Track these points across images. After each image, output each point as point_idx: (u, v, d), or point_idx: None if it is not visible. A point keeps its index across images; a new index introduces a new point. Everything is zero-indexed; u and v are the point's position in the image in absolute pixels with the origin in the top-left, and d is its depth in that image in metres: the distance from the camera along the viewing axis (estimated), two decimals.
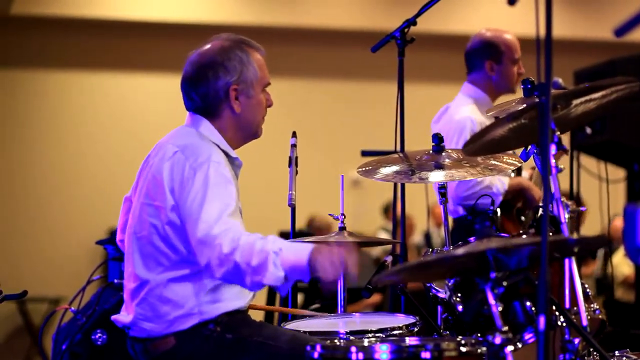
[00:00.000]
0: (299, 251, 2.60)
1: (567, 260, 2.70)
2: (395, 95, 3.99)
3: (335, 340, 2.79)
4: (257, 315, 3.19)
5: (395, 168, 3.30)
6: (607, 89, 2.83)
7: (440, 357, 2.39)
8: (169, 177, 2.77)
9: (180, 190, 2.74)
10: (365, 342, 2.61)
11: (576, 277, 2.71)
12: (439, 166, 3.26)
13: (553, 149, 2.72)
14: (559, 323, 2.67)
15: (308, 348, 2.48)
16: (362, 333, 2.84)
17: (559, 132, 2.76)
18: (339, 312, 3.45)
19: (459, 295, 3.03)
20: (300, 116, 9.68)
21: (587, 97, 2.85)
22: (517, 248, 2.33)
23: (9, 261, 9.71)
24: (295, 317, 3.35)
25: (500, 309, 2.29)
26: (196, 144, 2.82)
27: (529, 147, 3.00)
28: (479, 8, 10.42)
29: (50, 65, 10.26)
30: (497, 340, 2.25)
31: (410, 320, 2.99)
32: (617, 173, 6.10)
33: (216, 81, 2.87)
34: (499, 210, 4.27)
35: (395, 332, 2.86)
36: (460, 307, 3.02)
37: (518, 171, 4.39)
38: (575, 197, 5.24)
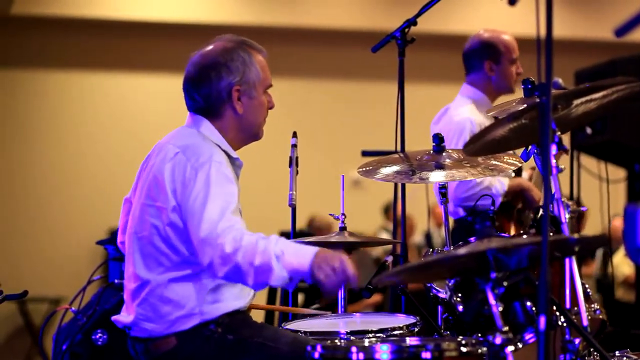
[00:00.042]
0: (300, 256, 2.59)
1: (567, 260, 2.70)
2: (396, 95, 3.99)
3: (336, 341, 2.79)
4: (258, 315, 3.19)
5: (395, 168, 3.30)
6: (607, 89, 2.83)
7: (440, 357, 2.38)
8: (170, 178, 2.77)
9: (182, 191, 2.74)
10: (366, 342, 2.61)
11: (577, 277, 2.71)
12: (440, 166, 3.26)
13: (554, 149, 2.72)
14: (560, 323, 2.67)
15: (309, 348, 2.48)
16: (363, 333, 2.84)
17: (559, 132, 2.76)
18: (340, 312, 3.44)
19: (460, 295, 3.03)
20: (300, 116, 9.68)
21: (588, 97, 2.85)
22: (518, 248, 2.33)
23: (9, 261, 9.71)
24: (295, 317, 3.35)
25: (500, 309, 2.30)
26: (197, 144, 2.82)
27: (530, 147, 3.00)
28: (479, 8, 10.41)
29: (50, 65, 10.25)
30: (498, 340, 2.25)
31: (411, 320, 2.98)
32: (618, 173, 6.10)
33: (219, 82, 2.86)
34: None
35: (395, 332, 2.86)
36: (460, 307, 3.01)
37: (518, 172, 4.39)
38: (575, 199, 5.24)
